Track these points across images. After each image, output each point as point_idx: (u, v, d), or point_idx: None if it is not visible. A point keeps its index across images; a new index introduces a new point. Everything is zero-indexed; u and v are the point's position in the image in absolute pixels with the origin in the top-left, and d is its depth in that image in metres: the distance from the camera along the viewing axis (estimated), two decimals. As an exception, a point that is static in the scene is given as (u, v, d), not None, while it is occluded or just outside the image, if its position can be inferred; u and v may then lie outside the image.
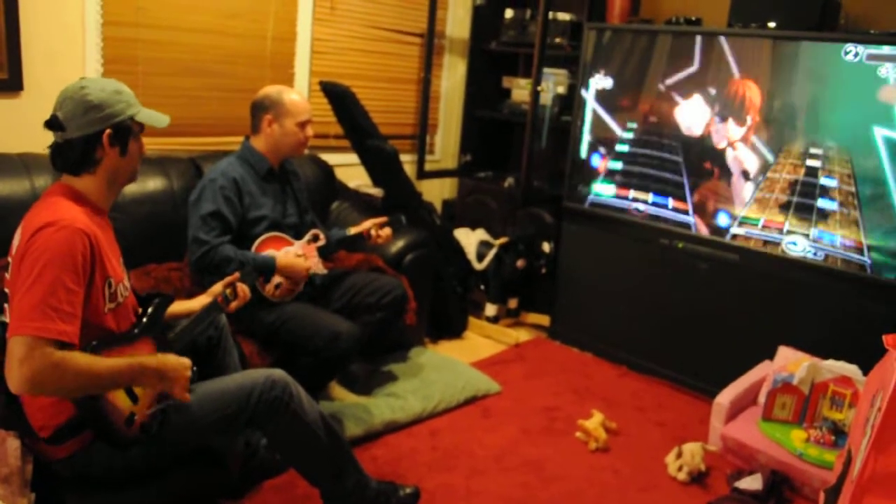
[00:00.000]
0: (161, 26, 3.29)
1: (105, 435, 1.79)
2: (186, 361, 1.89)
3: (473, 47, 4.78)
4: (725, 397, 3.00)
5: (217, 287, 2.23)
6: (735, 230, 3.39)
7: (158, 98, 3.28)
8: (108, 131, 1.81)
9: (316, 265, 2.85)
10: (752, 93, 3.26)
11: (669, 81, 3.52)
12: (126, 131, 1.86)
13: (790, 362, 3.08)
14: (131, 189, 2.92)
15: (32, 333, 1.59)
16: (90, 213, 1.82)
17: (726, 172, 3.39)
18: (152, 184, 3.03)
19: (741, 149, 3.32)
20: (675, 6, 3.88)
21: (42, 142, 1.86)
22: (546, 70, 4.23)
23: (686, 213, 3.54)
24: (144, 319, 1.96)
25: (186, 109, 3.48)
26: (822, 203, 3.12)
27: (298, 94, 2.90)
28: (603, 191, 3.83)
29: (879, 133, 2.94)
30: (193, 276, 2.83)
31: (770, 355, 3.25)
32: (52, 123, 1.81)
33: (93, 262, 1.75)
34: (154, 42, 3.28)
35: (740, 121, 3.31)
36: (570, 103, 4.16)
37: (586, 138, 3.87)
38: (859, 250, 3.04)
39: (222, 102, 3.59)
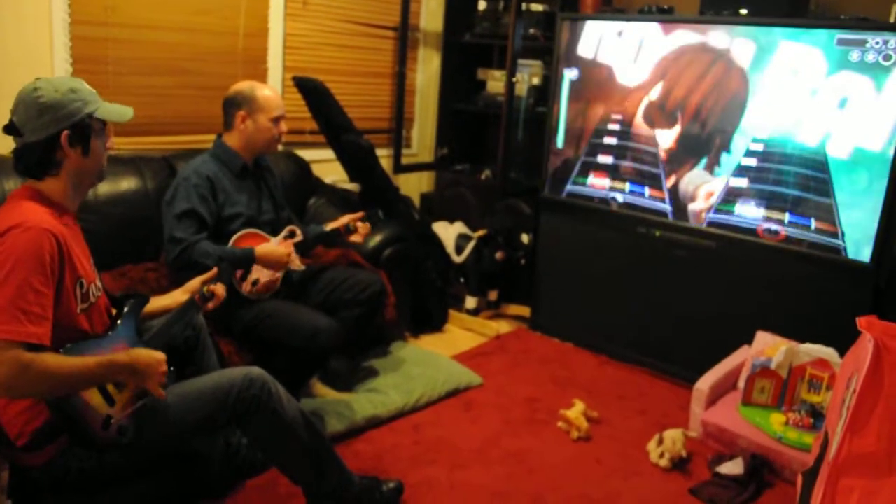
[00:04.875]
0: (131, 24, 3.25)
1: (81, 439, 1.77)
2: (160, 356, 1.86)
3: (447, 40, 4.77)
4: (705, 383, 3.02)
5: (194, 283, 2.21)
6: (711, 217, 3.41)
7: (130, 97, 3.24)
8: (65, 132, 1.78)
9: (294, 261, 2.83)
10: (724, 77, 3.28)
11: (643, 69, 3.53)
12: (86, 130, 1.82)
13: (768, 347, 3.10)
14: (105, 189, 2.91)
15: (2, 337, 1.57)
16: (56, 215, 1.79)
17: (701, 159, 3.40)
18: (126, 184, 3.01)
19: (714, 134, 3.34)
20: (648, -5, 3.88)
21: (10, 144, 1.83)
22: (520, 61, 4.23)
23: (662, 200, 3.56)
24: (119, 321, 1.94)
25: (158, 108, 3.45)
26: (796, 189, 3.14)
27: (271, 90, 2.88)
28: (580, 181, 3.84)
29: (851, 119, 2.97)
30: (171, 275, 2.80)
31: (748, 340, 3.27)
32: (8, 129, 1.79)
33: (62, 262, 1.72)
34: (124, 41, 3.25)
35: (713, 106, 3.33)
36: (545, 94, 4.17)
37: (562, 129, 3.87)
38: (834, 234, 3.07)
39: (195, 100, 3.56)
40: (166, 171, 3.15)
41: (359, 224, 3.00)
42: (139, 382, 1.83)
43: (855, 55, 2.92)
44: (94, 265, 1.96)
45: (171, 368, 1.96)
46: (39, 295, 1.64)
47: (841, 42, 2.95)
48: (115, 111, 1.90)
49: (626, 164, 3.66)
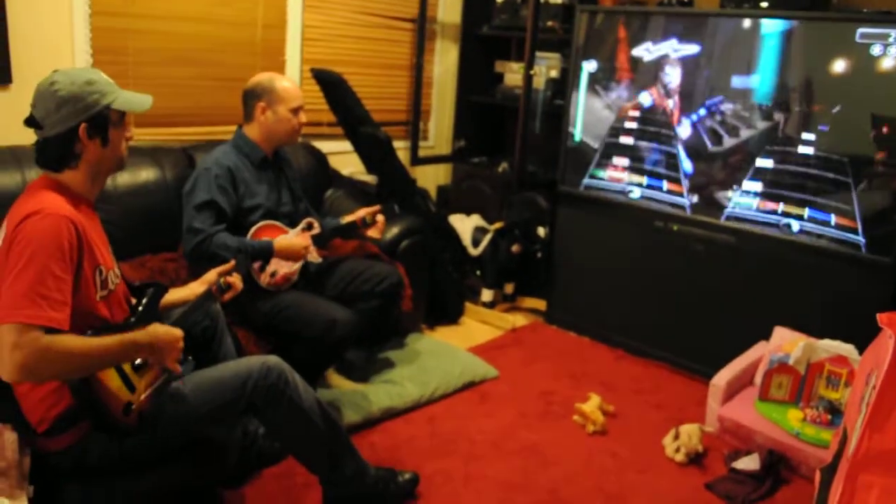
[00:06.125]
0: (150, 15, 3.27)
1: (102, 425, 1.79)
2: (177, 332, 1.88)
3: (465, 32, 4.76)
4: (722, 378, 3.01)
5: (211, 275, 2.22)
6: (730, 211, 3.39)
7: (149, 88, 3.19)
8: (83, 125, 1.79)
9: (311, 253, 2.84)
10: (744, 71, 3.25)
11: (662, 63, 3.50)
12: (104, 121, 1.83)
13: (786, 342, 3.09)
14: (124, 180, 2.92)
15: (22, 321, 1.58)
16: (75, 203, 1.80)
17: (720, 154, 3.38)
18: (145, 175, 3.02)
19: (733, 129, 3.32)
20: (668, -13, 3.86)
21: (33, 134, 1.85)
22: (538, 54, 4.22)
23: (681, 195, 3.54)
24: (140, 308, 1.96)
25: (177, 99, 3.46)
26: (816, 184, 3.12)
27: (290, 81, 2.89)
28: (597, 174, 3.83)
29: (872, 112, 2.94)
30: (190, 266, 2.82)
31: (766, 336, 3.26)
32: (30, 122, 1.80)
33: (80, 249, 1.74)
34: (143, 32, 3.26)
35: (732, 102, 3.31)
36: (563, 87, 4.15)
37: (580, 122, 3.86)
38: (853, 230, 3.04)
39: (213, 91, 3.57)
40: (185, 162, 3.16)
41: (377, 217, 3.01)
42: (158, 359, 1.84)
43: (877, 49, 2.89)
44: (113, 254, 1.98)
45: (190, 357, 1.98)
46: (59, 280, 1.66)
47: (863, 36, 2.92)
48: (133, 101, 1.90)
49: (645, 157, 3.64)
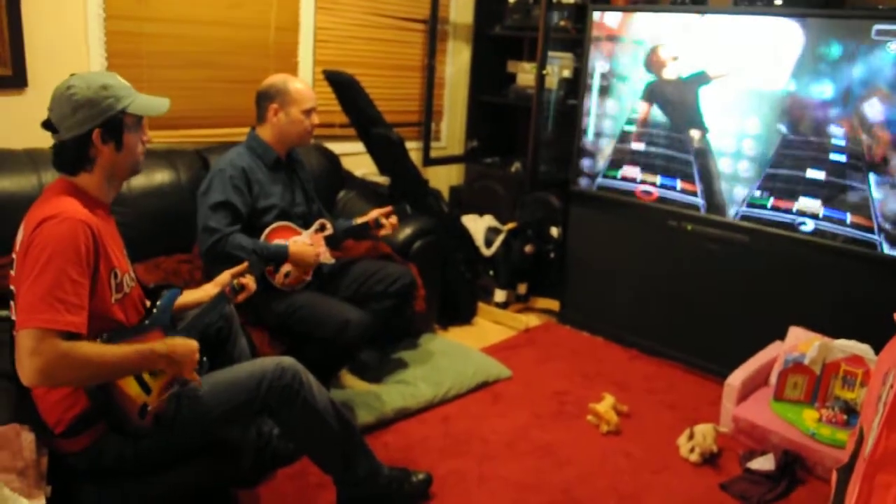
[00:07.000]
0: (164, 19, 3.29)
1: (118, 426, 1.80)
2: (194, 344, 1.89)
3: (477, 32, 4.76)
4: (737, 378, 3.00)
5: (224, 277, 2.23)
6: (745, 211, 3.37)
7: (163, 91, 3.23)
8: (97, 130, 1.79)
9: (324, 254, 2.85)
10: (759, 68, 3.23)
11: (677, 61, 3.49)
12: (118, 126, 1.83)
13: (801, 342, 3.07)
14: (139, 182, 2.94)
15: (41, 325, 1.60)
16: (91, 207, 1.81)
17: (734, 152, 3.37)
18: (159, 177, 3.04)
19: (747, 127, 3.30)
20: (680, -14, 3.84)
21: (48, 137, 1.87)
22: (551, 54, 4.21)
23: (695, 194, 3.52)
24: (154, 311, 1.97)
25: (191, 101, 3.48)
26: (831, 182, 3.10)
27: (303, 83, 2.90)
28: (610, 173, 3.82)
29: (888, 109, 2.92)
30: (205, 266, 2.83)
31: (781, 335, 3.24)
32: (46, 125, 1.82)
33: (96, 253, 1.75)
34: (157, 35, 3.28)
35: (746, 98, 3.29)
36: (575, 87, 4.14)
37: (592, 121, 3.85)
38: (870, 229, 3.02)
39: (227, 93, 3.59)
40: (199, 164, 3.18)
41: (386, 220, 3.01)
42: (175, 370, 1.85)
43: (894, 46, 2.86)
44: (128, 257, 1.99)
45: (205, 359, 1.99)
46: (76, 284, 1.67)
47: (879, 33, 2.89)
48: (149, 105, 1.90)
49: (658, 157, 3.63)
